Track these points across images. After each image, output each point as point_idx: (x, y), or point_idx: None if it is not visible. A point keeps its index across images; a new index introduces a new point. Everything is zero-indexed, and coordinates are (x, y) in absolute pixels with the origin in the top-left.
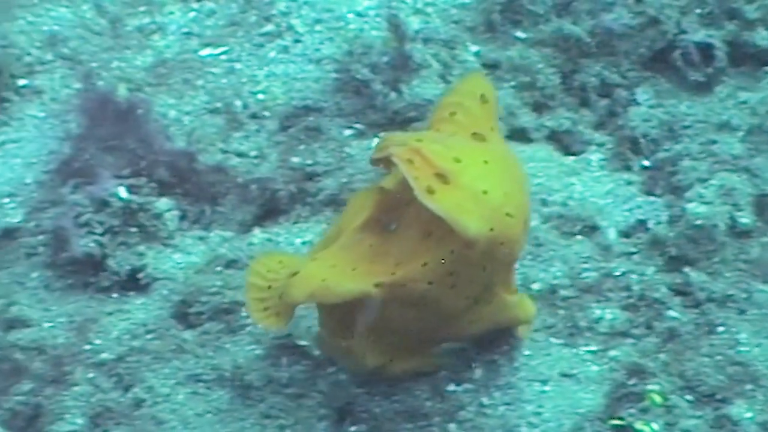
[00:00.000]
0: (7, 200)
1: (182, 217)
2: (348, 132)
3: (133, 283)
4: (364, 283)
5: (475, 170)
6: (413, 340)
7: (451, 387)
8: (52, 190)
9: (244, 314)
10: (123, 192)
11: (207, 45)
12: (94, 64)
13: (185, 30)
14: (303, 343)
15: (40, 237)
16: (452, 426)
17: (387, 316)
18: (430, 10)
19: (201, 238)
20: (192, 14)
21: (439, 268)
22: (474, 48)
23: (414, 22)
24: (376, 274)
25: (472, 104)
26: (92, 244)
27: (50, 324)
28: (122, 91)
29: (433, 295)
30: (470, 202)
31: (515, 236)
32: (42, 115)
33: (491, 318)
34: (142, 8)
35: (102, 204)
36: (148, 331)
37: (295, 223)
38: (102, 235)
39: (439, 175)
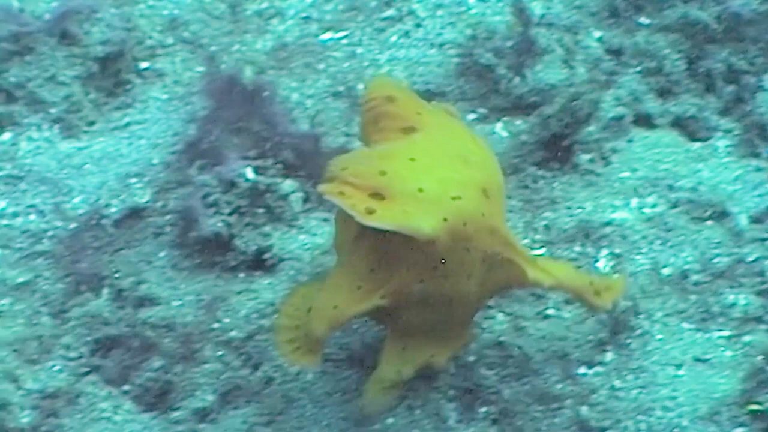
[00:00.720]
0: (134, 180)
1: (305, 199)
2: (471, 116)
3: (260, 263)
4: (371, 299)
5: (403, 173)
6: (443, 332)
7: (582, 370)
8: (179, 171)
9: None
10: (250, 173)
11: (327, 29)
12: (214, 48)
13: (304, 14)
14: None
15: (168, 217)
16: (584, 409)
17: (407, 320)
18: None
19: (325, 220)
20: None
21: (421, 268)
22: (597, 33)
23: (537, 8)
24: (379, 285)
25: (386, 107)
26: (220, 224)
27: (179, 302)
28: (248, 73)
29: (432, 289)
30: (411, 205)
31: (474, 209)
32: (165, 97)
33: (507, 281)
34: None
35: (229, 184)
36: (276, 311)
37: None
38: (229, 215)
39: (373, 195)
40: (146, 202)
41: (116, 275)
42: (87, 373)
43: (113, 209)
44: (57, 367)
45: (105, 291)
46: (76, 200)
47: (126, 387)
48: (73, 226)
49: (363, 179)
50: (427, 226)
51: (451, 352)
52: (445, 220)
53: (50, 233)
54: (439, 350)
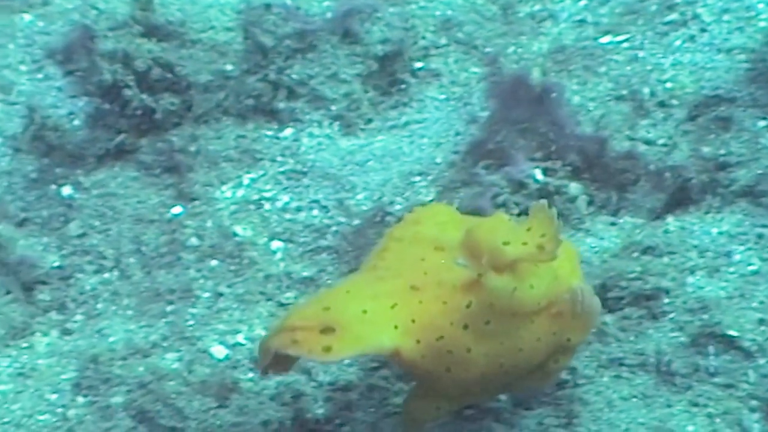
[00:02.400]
0: (417, 178)
1: (589, 203)
2: (762, 123)
3: None
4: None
5: (344, 302)
6: None
7: None
8: (464, 171)
9: (666, 301)
10: (539, 174)
11: (605, 32)
12: (488, 49)
13: (578, 17)
14: (731, 332)
15: None
16: None
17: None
18: None
19: (612, 224)
20: (583, 2)
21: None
22: None
23: None
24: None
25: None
26: None
27: None
28: (536, 74)
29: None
30: (361, 327)
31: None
32: (442, 97)
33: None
34: None
35: (519, 185)
36: None
37: (706, 212)
38: (518, 216)
39: (324, 330)
40: (430, 200)
41: None
42: (378, 368)
43: (397, 206)
44: (347, 360)
45: None
46: (360, 197)
47: None
48: (356, 222)
49: (309, 319)
50: (385, 339)
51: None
52: (396, 327)
53: (333, 228)
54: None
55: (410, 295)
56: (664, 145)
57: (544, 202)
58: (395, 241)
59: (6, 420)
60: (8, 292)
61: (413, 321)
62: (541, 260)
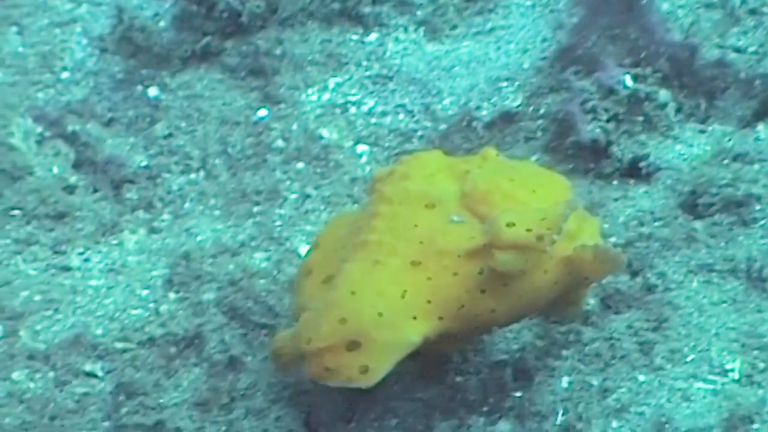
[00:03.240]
0: (504, 84)
1: (678, 110)
2: None
3: (635, 171)
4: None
5: (356, 310)
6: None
7: None
8: (551, 77)
9: (757, 208)
10: (629, 80)
11: None
12: None
13: None
14: None
15: (540, 122)
16: None
17: None
18: None
19: (701, 131)
20: None
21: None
22: None
23: None
24: None
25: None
26: (597, 131)
27: None
28: None
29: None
30: (384, 332)
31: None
32: (528, 3)
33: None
34: None
35: (608, 91)
36: (656, 219)
37: None
38: (607, 122)
39: (350, 346)
40: (518, 106)
41: None
42: None
43: (484, 112)
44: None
45: None
46: (446, 101)
47: None
48: (443, 126)
49: (330, 338)
50: (411, 335)
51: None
52: (415, 317)
53: (419, 133)
54: None
55: (414, 274)
56: (755, 53)
57: (573, 199)
58: (385, 204)
59: (99, 314)
60: (96, 190)
61: (429, 302)
62: (534, 250)
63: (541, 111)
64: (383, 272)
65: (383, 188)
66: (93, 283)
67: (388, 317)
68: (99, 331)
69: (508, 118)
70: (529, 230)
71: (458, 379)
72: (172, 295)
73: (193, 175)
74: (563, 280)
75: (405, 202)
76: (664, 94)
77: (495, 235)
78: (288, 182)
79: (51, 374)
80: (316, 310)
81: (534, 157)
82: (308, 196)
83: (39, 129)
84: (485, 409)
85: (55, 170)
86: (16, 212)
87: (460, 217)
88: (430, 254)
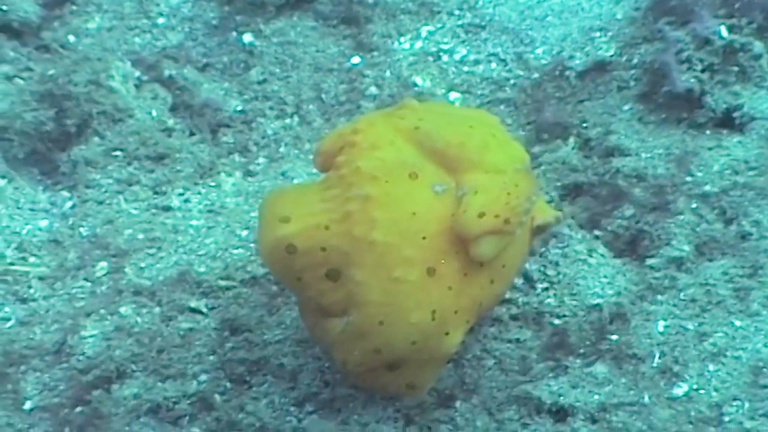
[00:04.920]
0: (597, 34)
1: None
2: None
3: (729, 121)
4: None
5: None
6: None
7: None
8: (644, 27)
9: None
10: (724, 31)
11: None
12: None
13: None
14: None
15: (633, 71)
16: None
17: None
18: None
19: None
20: None
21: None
22: None
23: None
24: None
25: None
26: (692, 81)
27: (648, 154)
28: None
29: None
30: (423, 353)
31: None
32: None
33: None
34: None
35: (703, 42)
36: (750, 168)
37: None
38: (702, 72)
39: (390, 365)
40: (611, 56)
41: (584, 125)
42: None
43: (576, 61)
44: None
45: (571, 140)
46: (539, 51)
47: (597, 232)
48: (535, 75)
49: (366, 363)
50: (447, 348)
51: None
52: (447, 333)
53: (512, 81)
54: None
55: (436, 287)
56: None
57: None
58: (371, 183)
59: (201, 253)
60: (192, 133)
61: (456, 312)
62: (502, 233)
63: (634, 61)
64: (406, 293)
65: (358, 162)
66: (194, 223)
67: (424, 342)
68: (202, 269)
69: (600, 67)
70: (497, 216)
71: (556, 321)
72: None
73: (287, 120)
74: (531, 242)
75: (390, 177)
76: (758, 45)
77: (466, 229)
78: None
79: (157, 310)
80: (344, 333)
81: (626, 107)
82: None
83: (137, 73)
84: (582, 351)
85: (154, 113)
86: (117, 153)
87: (441, 185)
88: (437, 253)
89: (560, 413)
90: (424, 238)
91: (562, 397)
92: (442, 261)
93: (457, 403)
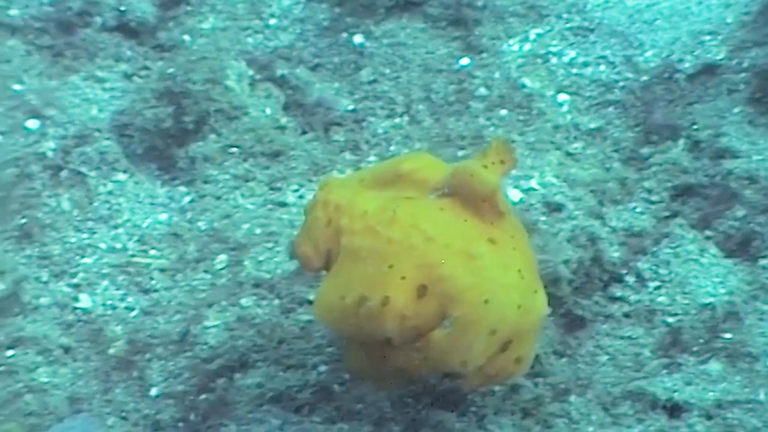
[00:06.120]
0: (707, 38)
1: None
2: None
3: None
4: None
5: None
6: None
7: None
8: (755, 31)
9: None
10: None
11: None
12: None
13: None
14: None
15: (742, 75)
16: None
17: None
18: None
19: None
20: None
21: None
22: None
23: None
24: None
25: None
26: None
27: (759, 157)
28: None
29: None
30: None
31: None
32: None
33: None
34: None
35: None
36: None
37: None
38: None
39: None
40: (721, 59)
41: (694, 127)
42: (669, 217)
43: (686, 64)
44: (639, 209)
45: (681, 141)
46: (648, 54)
47: (708, 233)
48: (644, 78)
49: (487, 352)
50: (542, 308)
51: None
52: (536, 291)
53: (621, 84)
54: None
55: (501, 250)
56: None
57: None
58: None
59: None
60: (304, 132)
61: (532, 270)
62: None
63: (745, 64)
64: (489, 264)
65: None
66: None
67: (525, 304)
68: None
69: (710, 70)
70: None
71: (669, 319)
72: None
73: (397, 120)
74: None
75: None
76: None
77: (488, 181)
78: (491, 128)
79: (276, 302)
80: (452, 334)
81: (737, 109)
82: (513, 141)
83: (250, 72)
84: (695, 349)
85: (268, 111)
86: (233, 150)
87: (432, 193)
88: (482, 229)
89: (675, 409)
90: (465, 220)
91: (676, 394)
92: (491, 232)
93: (572, 398)
